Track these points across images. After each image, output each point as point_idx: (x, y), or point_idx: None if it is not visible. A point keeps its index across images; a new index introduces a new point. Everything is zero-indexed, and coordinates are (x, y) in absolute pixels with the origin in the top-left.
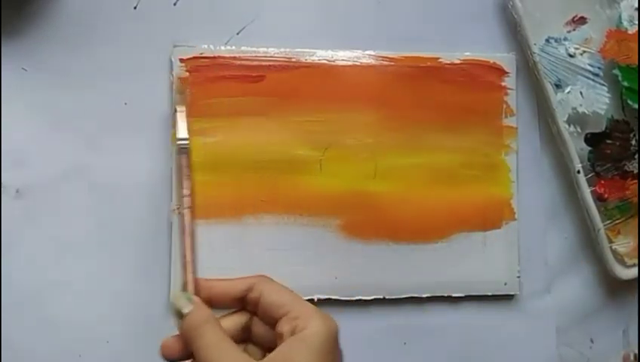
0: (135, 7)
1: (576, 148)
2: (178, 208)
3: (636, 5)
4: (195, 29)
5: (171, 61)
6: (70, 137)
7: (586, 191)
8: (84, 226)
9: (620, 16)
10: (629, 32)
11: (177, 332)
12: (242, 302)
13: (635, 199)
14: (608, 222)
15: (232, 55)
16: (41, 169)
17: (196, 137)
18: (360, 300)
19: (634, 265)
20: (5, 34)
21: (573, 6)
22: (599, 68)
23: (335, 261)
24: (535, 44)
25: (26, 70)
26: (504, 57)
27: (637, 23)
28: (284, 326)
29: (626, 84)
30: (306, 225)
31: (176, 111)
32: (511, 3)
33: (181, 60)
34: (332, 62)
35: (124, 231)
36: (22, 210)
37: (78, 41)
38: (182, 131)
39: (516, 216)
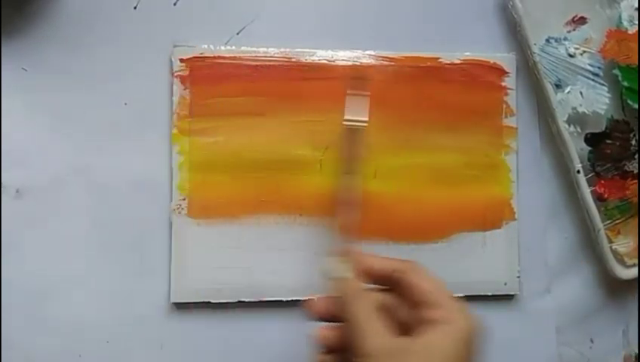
0: (135, 7)
1: (577, 148)
2: (177, 207)
3: (636, 5)
4: (195, 29)
5: (171, 61)
6: (70, 137)
7: (586, 191)
8: (84, 226)
9: (619, 16)
10: (629, 32)
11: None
12: (391, 281)
13: (635, 199)
14: (608, 222)
15: (232, 55)
16: (41, 169)
17: (196, 137)
18: None
19: (634, 265)
20: (5, 34)
21: (573, 6)
22: (599, 68)
23: None
24: (535, 44)
25: (26, 70)
26: (504, 57)
27: (637, 22)
28: (429, 314)
29: (626, 84)
30: (306, 225)
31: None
32: (511, 3)
33: (181, 60)
34: (332, 62)
35: (124, 231)
36: (22, 210)
37: (78, 41)
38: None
39: (516, 216)
